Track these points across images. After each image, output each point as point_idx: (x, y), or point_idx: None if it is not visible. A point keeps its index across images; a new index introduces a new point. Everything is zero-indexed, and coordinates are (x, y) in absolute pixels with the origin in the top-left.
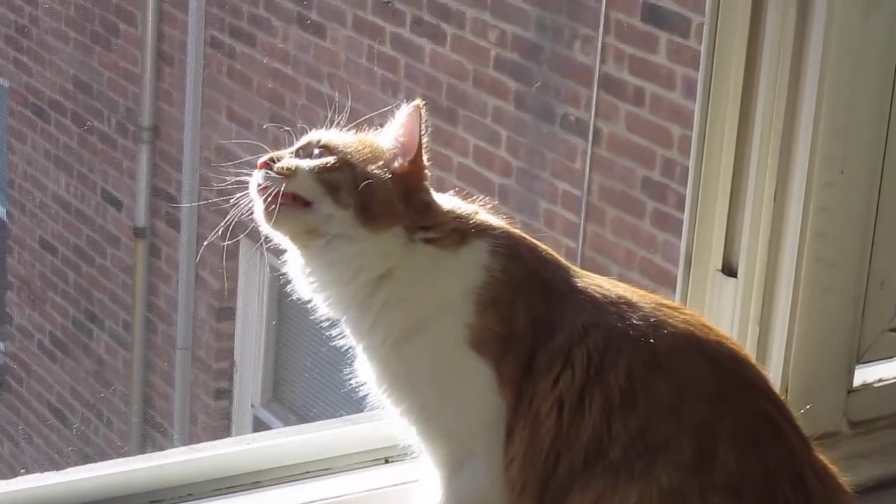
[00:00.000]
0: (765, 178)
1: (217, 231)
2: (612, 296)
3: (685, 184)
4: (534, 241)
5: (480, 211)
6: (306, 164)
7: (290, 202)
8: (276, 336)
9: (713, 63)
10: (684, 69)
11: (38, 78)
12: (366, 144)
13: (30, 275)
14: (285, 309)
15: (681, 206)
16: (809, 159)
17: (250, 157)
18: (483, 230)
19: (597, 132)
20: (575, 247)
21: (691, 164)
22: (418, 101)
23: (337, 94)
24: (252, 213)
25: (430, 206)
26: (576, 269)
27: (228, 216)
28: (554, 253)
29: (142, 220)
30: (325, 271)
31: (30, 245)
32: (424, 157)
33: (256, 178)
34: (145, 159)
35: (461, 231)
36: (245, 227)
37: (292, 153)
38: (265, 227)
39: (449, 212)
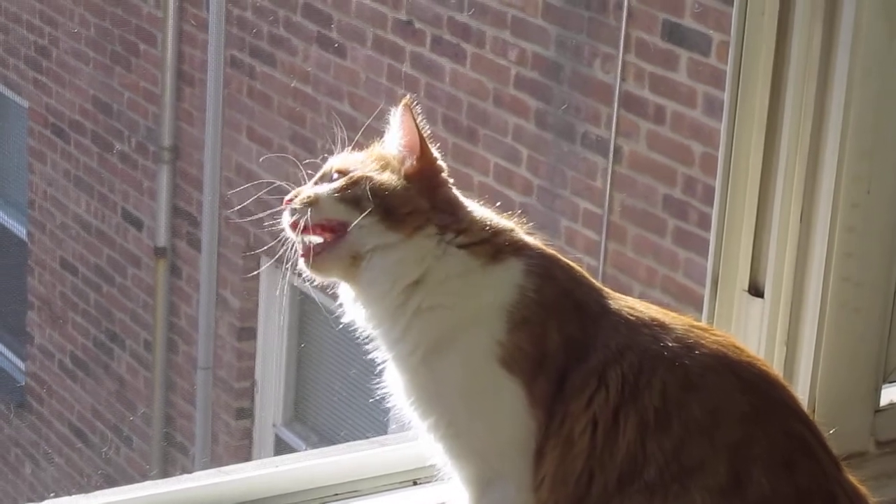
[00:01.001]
0: (791, 198)
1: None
2: (646, 318)
3: (706, 201)
4: (568, 262)
5: (517, 229)
6: (325, 188)
7: (321, 235)
8: (297, 355)
9: (739, 83)
10: (705, 87)
11: (58, 98)
12: (375, 156)
13: (51, 295)
14: (306, 327)
15: (702, 223)
16: (836, 179)
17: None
18: (519, 249)
19: (617, 150)
20: (596, 265)
21: (717, 184)
22: (406, 99)
23: (330, 119)
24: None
25: (455, 203)
26: (609, 290)
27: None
28: (587, 274)
29: (162, 239)
30: (369, 290)
31: (50, 265)
32: (432, 150)
33: (286, 216)
34: (166, 179)
35: (496, 246)
36: (264, 244)
37: (313, 185)
38: (319, 278)
39: (483, 220)
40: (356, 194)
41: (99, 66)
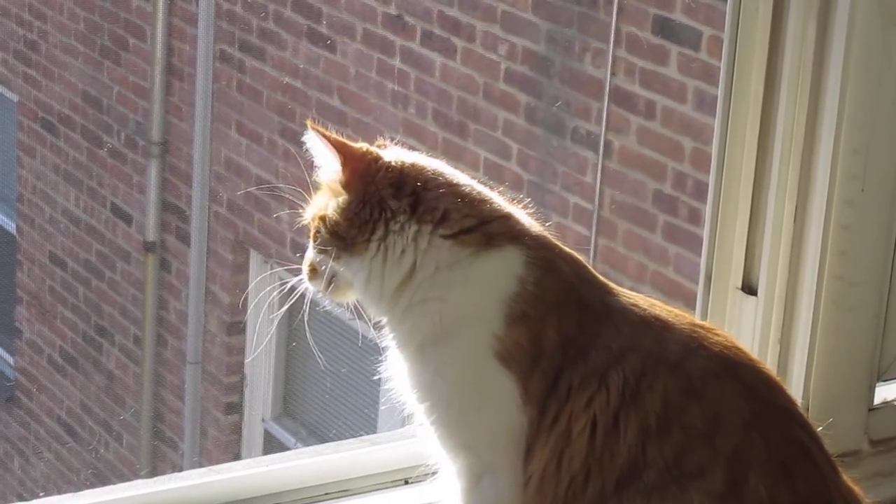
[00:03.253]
0: (785, 195)
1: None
2: (649, 317)
3: (697, 197)
4: (571, 252)
5: (516, 212)
6: (310, 252)
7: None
8: (287, 350)
9: (733, 79)
10: (695, 82)
11: (47, 93)
12: (324, 189)
13: (40, 289)
14: (295, 323)
15: (692, 219)
16: (830, 177)
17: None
18: (515, 236)
19: (608, 145)
20: (586, 260)
21: (711, 181)
22: (308, 122)
23: (319, 113)
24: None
25: (397, 170)
26: (611, 285)
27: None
28: (589, 266)
29: (151, 234)
30: (366, 305)
31: (39, 260)
32: (353, 145)
33: (311, 290)
34: (155, 174)
35: (487, 234)
36: (253, 239)
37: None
38: (339, 302)
39: (465, 204)
40: (323, 242)
41: (88, 61)
